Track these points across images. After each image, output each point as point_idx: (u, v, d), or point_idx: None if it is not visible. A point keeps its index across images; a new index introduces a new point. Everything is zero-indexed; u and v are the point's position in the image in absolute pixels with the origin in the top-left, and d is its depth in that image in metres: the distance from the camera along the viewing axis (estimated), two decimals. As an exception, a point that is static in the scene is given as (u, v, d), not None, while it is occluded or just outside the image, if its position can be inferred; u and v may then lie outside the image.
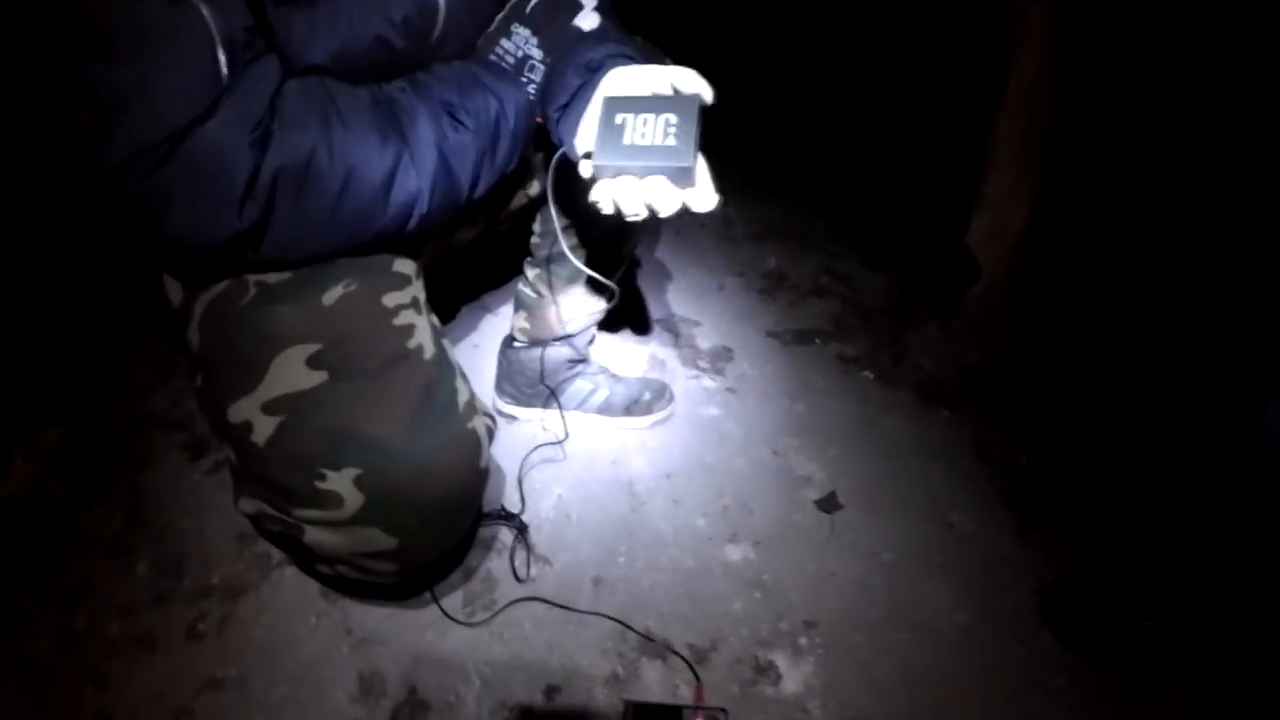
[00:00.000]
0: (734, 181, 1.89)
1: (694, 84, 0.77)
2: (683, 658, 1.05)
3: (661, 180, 0.76)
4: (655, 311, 1.56)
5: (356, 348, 0.82)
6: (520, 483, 1.23)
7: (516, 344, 1.28)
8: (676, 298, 1.61)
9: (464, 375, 0.92)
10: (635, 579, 1.14)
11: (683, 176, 0.76)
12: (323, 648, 1.06)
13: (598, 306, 1.20)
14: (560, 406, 1.29)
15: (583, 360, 1.29)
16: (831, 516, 1.21)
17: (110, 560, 1.14)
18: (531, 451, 1.27)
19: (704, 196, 0.76)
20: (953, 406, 1.39)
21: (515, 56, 0.90)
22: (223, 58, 0.69)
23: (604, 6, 0.91)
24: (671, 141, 0.76)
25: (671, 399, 1.32)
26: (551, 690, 1.02)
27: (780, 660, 1.06)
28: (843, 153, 2.03)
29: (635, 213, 0.77)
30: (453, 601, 1.10)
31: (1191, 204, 1.40)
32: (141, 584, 1.11)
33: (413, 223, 0.84)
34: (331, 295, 0.83)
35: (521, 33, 0.90)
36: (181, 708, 0.99)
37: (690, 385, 1.40)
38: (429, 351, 0.86)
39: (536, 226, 1.17)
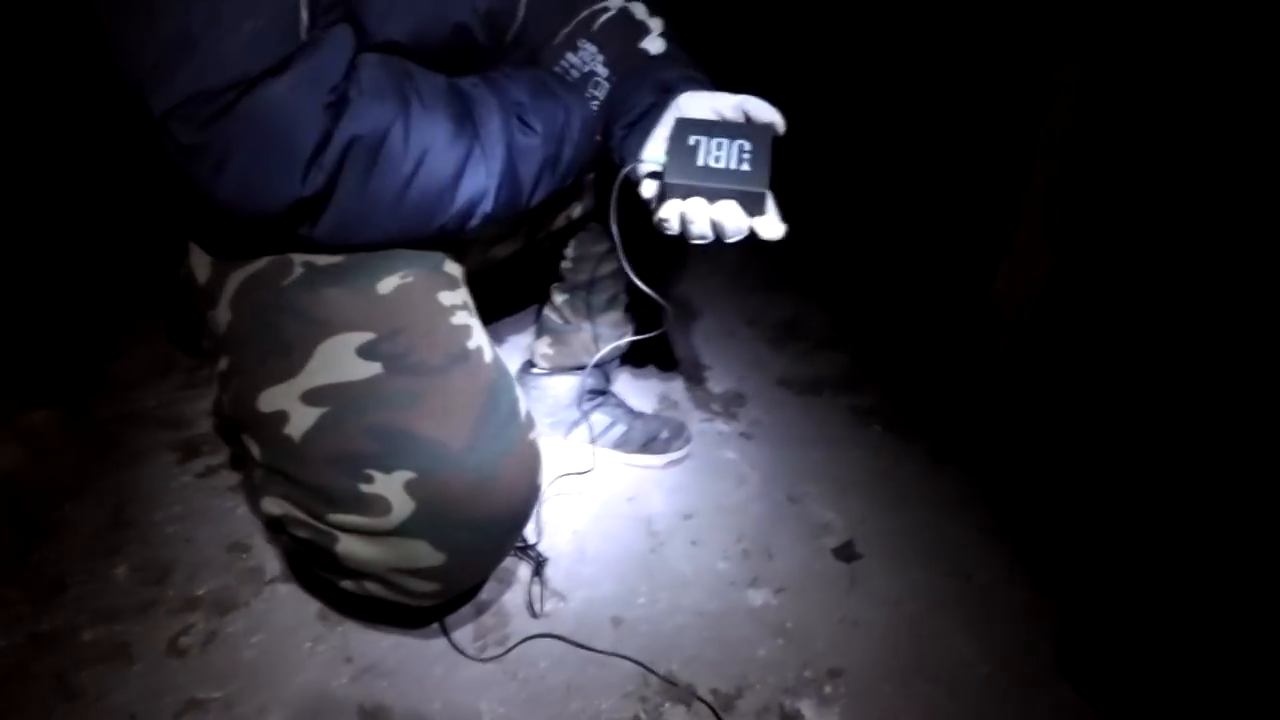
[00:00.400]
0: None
1: (768, 113, 0.78)
2: (708, 705, 0.99)
3: (732, 204, 0.75)
4: (667, 354, 1.54)
5: (415, 341, 0.76)
6: (538, 515, 1.16)
7: (536, 370, 1.23)
8: (687, 342, 1.59)
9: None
10: (657, 620, 1.08)
11: (754, 203, 0.76)
12: (320, 676, 0.96)
13: (629, 333, 1.17)
14: (590, 435, 1.23)
15: (604, 392, 1.25)
16: (850, 566, 1.19)
17: (89, 560, 1.02)
18: (551, 483, 1.21)
19: (772, 224, 0.76)
20: (967, 460, 1.40)
21: (581, 71, 0.89)
22: (304, 14, 0.65)
23: (670, 34, 0.91)
24: (746, 167, 0.76)
25: (689, 439, 1.29)
26: None
27: (807, 709, 1.01)
28: (863, 204, 2.06)
29: (702, 234, 0.76)
30: (463, 635, 1.02)
31: (1217, 252, 1.43)
32: (121, 589, 1.00)
33: (475, 220, 0.80)
34: (387, 284, 0.77)
35: (588, 49, 0.89)
36: None
37: (704, 428, 1.37)
38: (488, 355, 0.81)
39: (569, 251, 1.14)
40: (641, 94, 0.83)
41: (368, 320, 0.76)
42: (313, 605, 1.03)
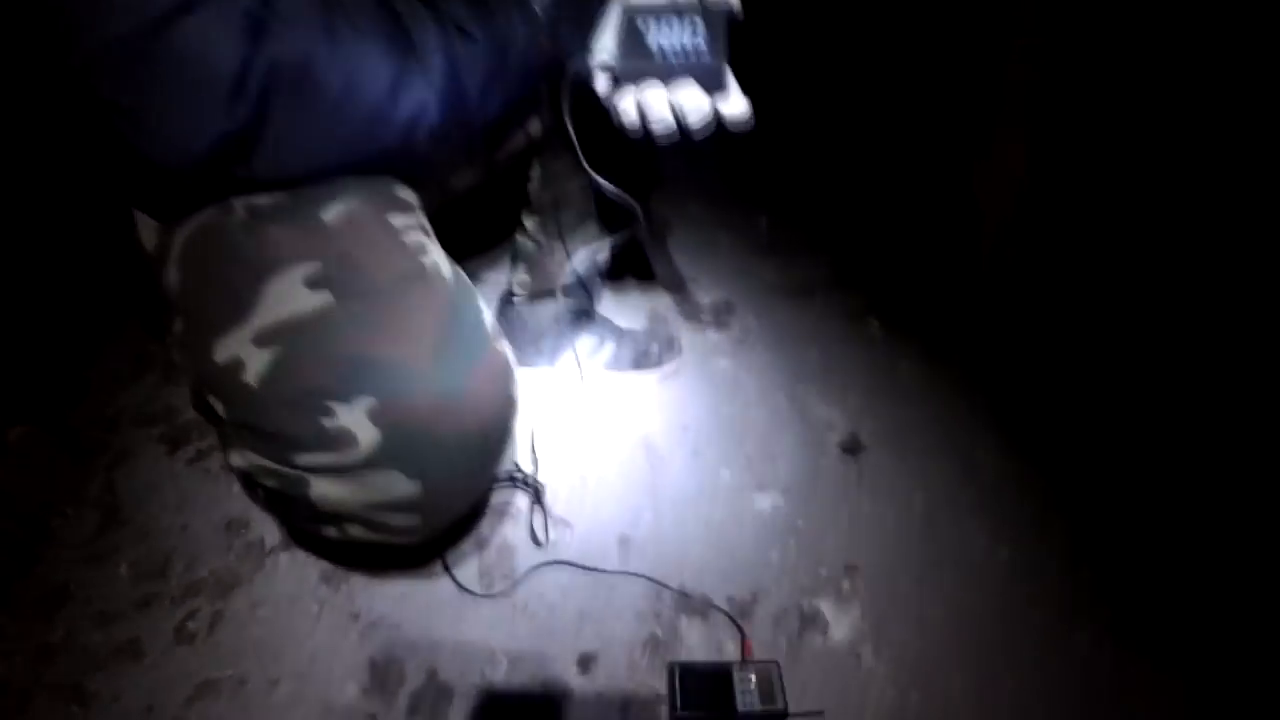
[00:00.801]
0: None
1: None
2: (724, 613, 0.97)
3: (690, 84, 0.70)
4: (648, 270, 1.48)
5: (364, 264, 0.70)
6: (532, 445, 1.13)
7: (516, 299, 1.18)
8: (667, 256, 1.53)
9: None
10: (664, 536, 1.05)
11: (712, 78, 0.71)
12: (328, 637, 0.95)
13: (605, 244, 1.11)
14: (577, 357, 1.19)
15: (587, 313, 1.20)
16: (857, 459, 1.15)
17: (88, 565, 1.00)
18: (540, 409, 1.17)
19: (735, 102, 0.71)
20: (964, 352, 1.35)
21: None
22: None
23: None
24: (700, 43, 0.70)
25: (680, 350, 1.25)
26: (587, 660, 0.93)
27: (826, 608, 0.99)
28: (838, 110, 1.95)
29: (663, 121, 0.71)
30: (468, 574, 1.00)
31: (1189, 146, 1.40)
32: (123, 587, 0.98)
33: (420, 135, 0.73)
34: (331, 212, 0.71)
35: None
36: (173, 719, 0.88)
37: (696, 339, 1.32)
38: (445, 270, 0.75)
39: (534, 172, 1.07)
40: None
41: (313, 250, 0.70)
42: (315, 569, 1.00)
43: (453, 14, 0.74)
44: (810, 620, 0.97)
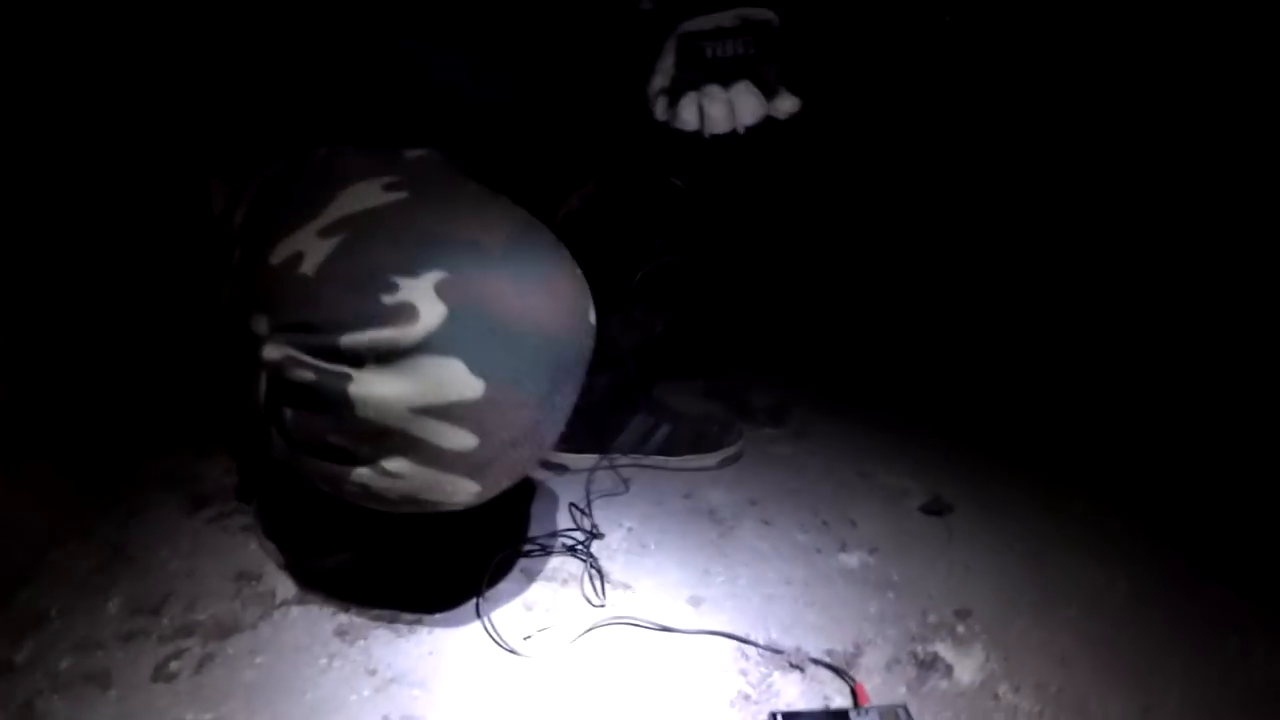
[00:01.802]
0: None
1: (763, 13, 0.80)
2: (826, 665, 0.79)
3: (745, 85, 0.76)
4: (701, 384, 1.41)
5: (443, 180, 0.69)
6: (589, 508, 1.01)
7: None
8: (719, 375, 1.45)
9: None
10: (742, 595, 0.89)
11: (765, 80, 0.77)
12: (334, 690, 0.76)
13: (662, 312, 1.08)
14: (633, 440, 1.10)
15: (640, 393, 1.13)
16: (944, 520, 1.01)
17: (78, 594, 0.85)
18: (590, 483, 1.05)
19: (786, 101, 0.76)
20: (1042, 423, 1.28)
21: None
22: None
23: None
24: (752, 51, 0.77)
25: (740, 432, 1.15)
26: None
27: (944, 652, 0.80)
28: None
29: (722, 120, 0.75)
30: (510, 635, 0.83)
31: None
32: (109, 620, 0.82)
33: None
34: (411, 153, 0.72)
35: None
36: None
37: (753, 434, 1.22)
38: (520, 210, 0.71)
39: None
40: (639, 35, 0.85)
41: (393, 169, 0.69)
42: (330, 623, 0.83)
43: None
44: (928, 665, 0.78)
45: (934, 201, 1.75)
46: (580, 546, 0.95)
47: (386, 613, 0.85)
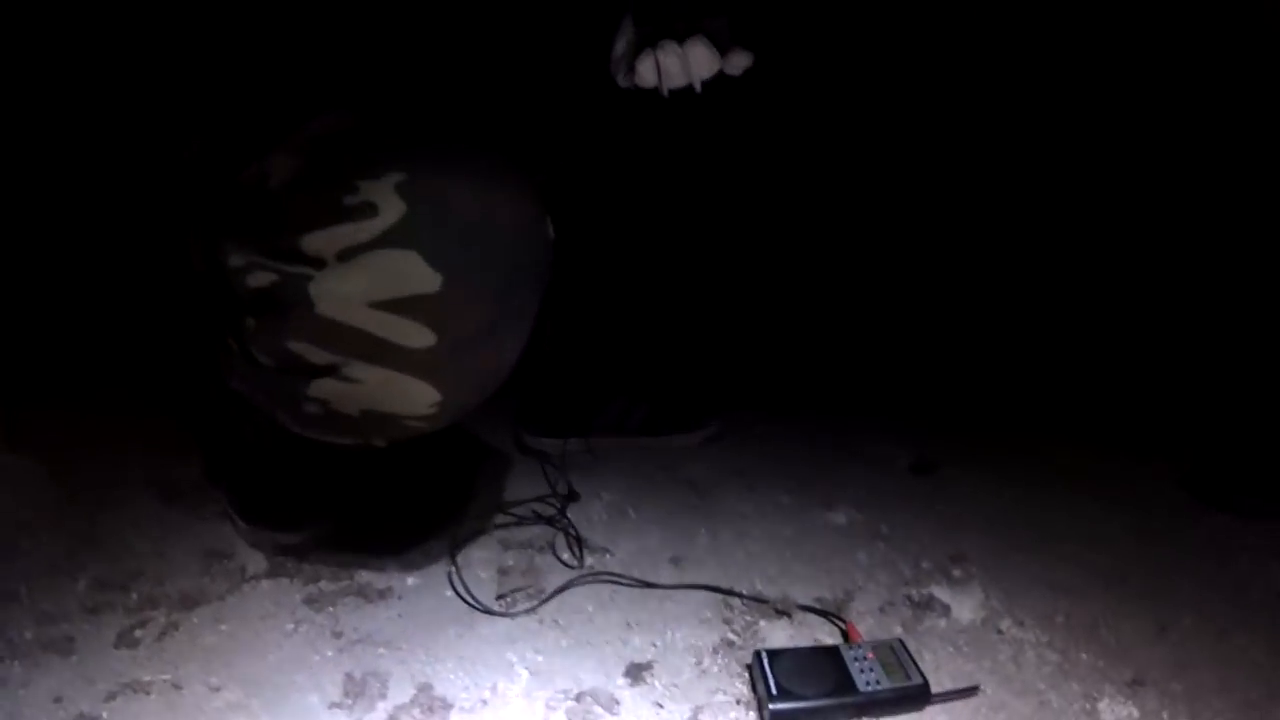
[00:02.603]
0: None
1: None
2: (815, 610, 0.74)
3: (699, 39, 0.78)
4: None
5: (404, 118, 0.68)
6: (565, 471, 0.98)
7: (547, 352, 1.09)
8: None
9: None
10: (725, 551, 0.85)
11: (718, 34, 0.79)
12: (298, 651, 0.72)
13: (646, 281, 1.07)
14: (611, 418, 1.08)
15: (618, 372, 1.11)
16: (932, 477, 0.98)
17: (47, 576, 0.80)
18: (565, 455, 1.02)
19: (739, 56, 0.79)
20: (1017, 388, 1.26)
21: None
22: None
23: None
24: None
25: (721, 412, 1.12)
26: (638, 669, 0.69)
27: (940, 593, 0.76)
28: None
29: (678, 75, 0.77)
30: (484, 595, 0.78)
31: None
32: (77, 596, 0.77)
33: None
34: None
35: None
36: (80, 714, 0.63)
37: (733, 417, 1.16)
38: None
39: None
40: None
41: (361, 111, 0.68)
42: (300, 593, 0.79)
43: None
44: (924, 606, 0.74)
45: (905, 176, 1.76)
46: (555, 512, 0.91)
47: (357, 583, 0.81)
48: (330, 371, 0.61)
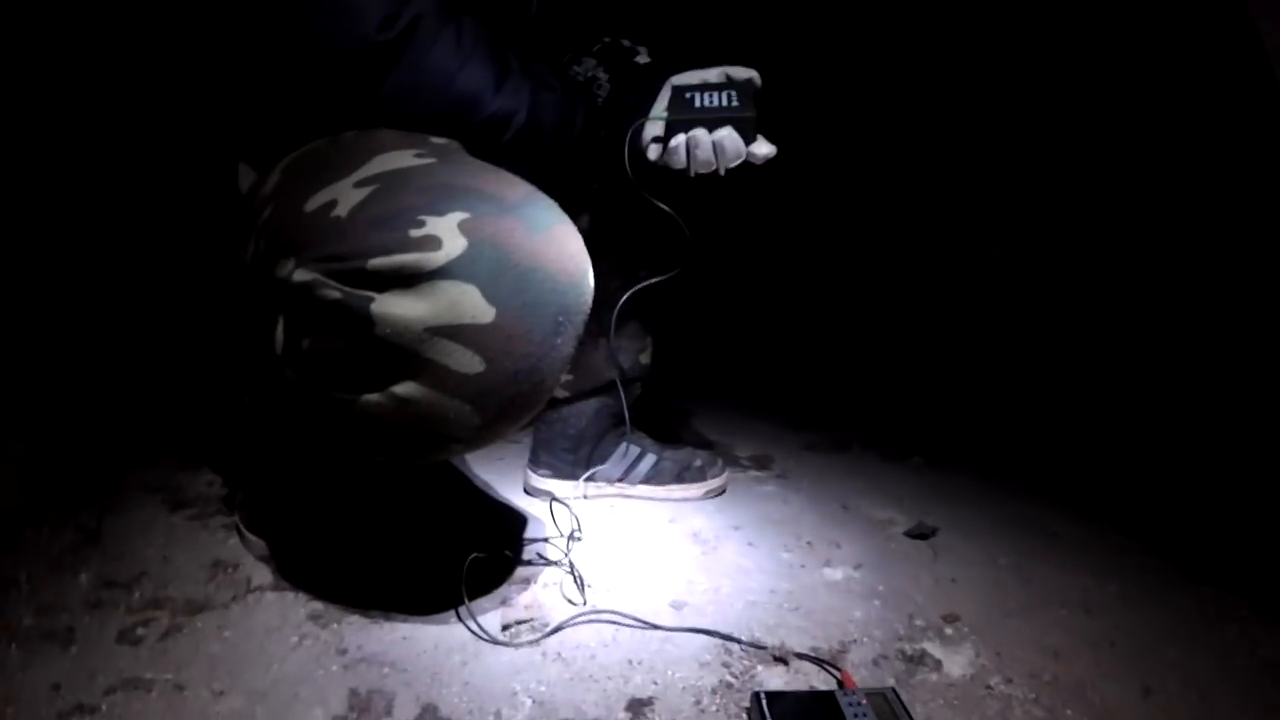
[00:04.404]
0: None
1: (746, 72, 0.89)
2: (812, 659, 0.75)
3: (728, 129, 0.84)
4: (681, 432, 1.41)
5: (465, 157, 0.74)
6: (563, 530, 0.98)
7: (557, 399, 1.12)
8: (699, 426, 1.47)
9: None
10: (725, 602, 0.86)
11: (746, 128, 0.85)
12: (302, 665, 0.72)
13: (648, 347, 1.11)
14: (619, 469, 1.11)
15: (625, 422, 1.13)
16: (929, 542, 0.99)
17: (49, 568, 0.81)
18: (572, 502, 1.04)
19: (764, 147, 0.86)
20: (1018, 463, 1.29)
21: (584, 76, 0.99)
22: None
23: (656, 56, 1.04)
24: (735, 103, 0.86)
25: (725, 468, 1.14)
26: (639, 704, 0.70)
27: (932, 649, 0.77)
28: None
29: (706, 159, 0.84)
30: (489, 625, 0.79)
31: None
32: (78, 590, 0.78)
33: (508, 134, 0.83)
34: (436, 139, 0.77)
35: (589, 62, 1.02)
36: (79, 705, 0.63)
37: (738, 476, 1.21)
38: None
39: None
40: (637, 85, 0.93)
41: (421, 144, 0.74)
42: (305, 608, 0.80)
43: (539, 71, 0.91)
44: (916, 660, 0.75)
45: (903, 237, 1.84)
46: (561, 552, 0.92)
47: (362, 602, 0.82)
48: (380, 388, 0.64)
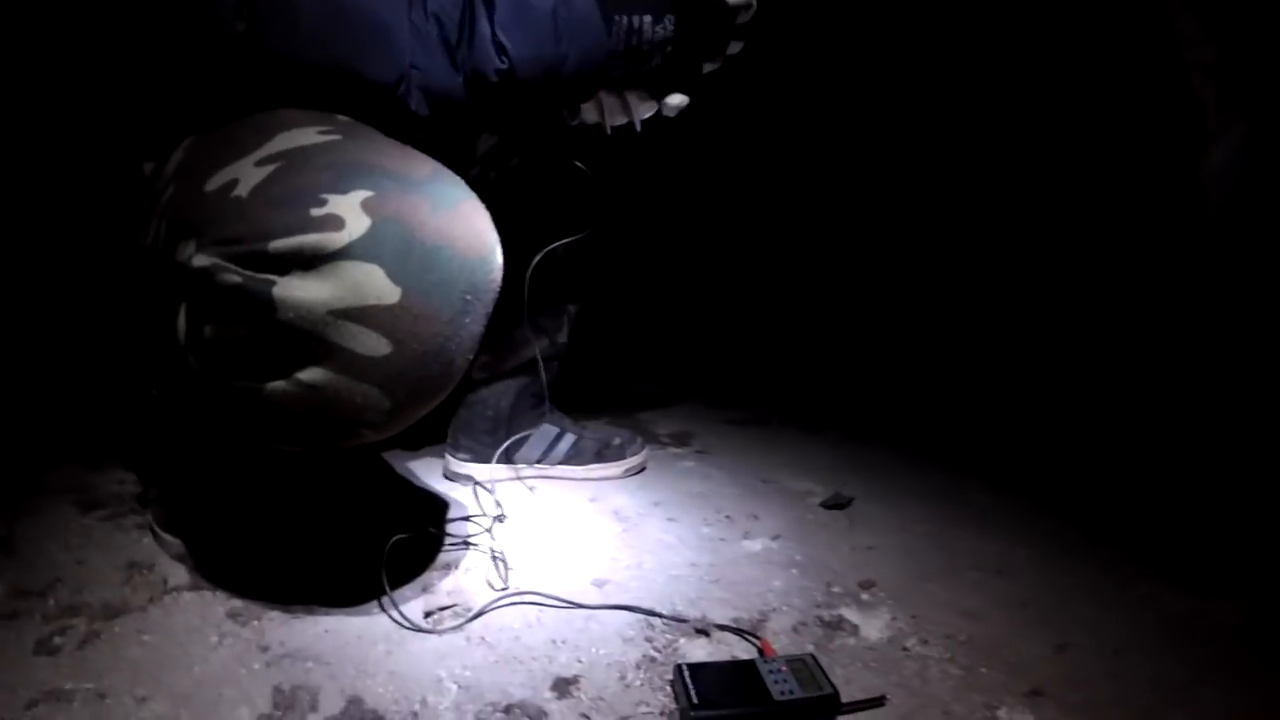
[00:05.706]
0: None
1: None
2: (733, 630, 0.77)
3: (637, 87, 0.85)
4: (601, 411, 1.41)
5: (370, 133, 0.70)
6: (485, 514, 0.97)
7: (476, 380, 1.10)
8: (623, 402, 1.48)
9: None
10: (647, 577, 0.87)
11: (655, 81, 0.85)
12: (225, 666, 0.69)
13: (565, 327, 1.10)
14: (538, 449, 1.10)
15: (544, 402, 1.13)
16: (845, 512, 1.03)
17: None
18: (494, 485, 1.04)
19: (674, 98, 0.85)
20: (930, 438, 1.35)
21: None
22: None
23: None
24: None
25: (644, 445, 1.15)
26: (564, 683, 0.70)
27: (850, 615, 0.80)
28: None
29: (618, 117, 0.85)
30: (411, 612, 0.78)
31: None
32: None
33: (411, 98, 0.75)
34: (344, 117, 0.72)
35: None
36: None
37: (658, 453, 1.22)
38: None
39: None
40: None
41: (327, 121, 0.70)
42: (224, 606, 0.77)
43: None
44: (834, 626, 0.78)
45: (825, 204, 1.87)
46: (482, 535, 0.92)
47: (282, 597, 0.79)
48: (285, 375, 0.62)
